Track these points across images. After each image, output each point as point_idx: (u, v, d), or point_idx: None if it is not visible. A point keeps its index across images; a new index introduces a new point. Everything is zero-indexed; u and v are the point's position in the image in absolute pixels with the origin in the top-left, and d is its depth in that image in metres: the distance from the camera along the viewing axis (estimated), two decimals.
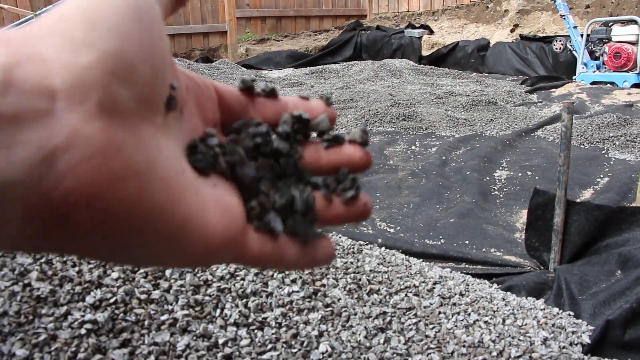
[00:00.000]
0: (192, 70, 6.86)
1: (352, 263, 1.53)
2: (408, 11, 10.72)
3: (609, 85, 6.13)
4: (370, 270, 1.52)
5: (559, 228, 1.86)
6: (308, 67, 8.49)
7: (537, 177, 3.06)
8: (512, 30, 8.48)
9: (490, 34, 8.71)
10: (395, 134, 4.11)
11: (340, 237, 1.78)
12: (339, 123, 4.50)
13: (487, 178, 3.06)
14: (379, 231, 2.43)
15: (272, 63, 9.64)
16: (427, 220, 2.53)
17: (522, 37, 8.02)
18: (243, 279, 1.28)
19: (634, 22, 6.10)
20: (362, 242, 1.78)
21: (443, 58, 8.82)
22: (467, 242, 2.28)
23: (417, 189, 2.91)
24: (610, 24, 6.38)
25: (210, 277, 1.25)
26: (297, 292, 1.29)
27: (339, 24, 11.46)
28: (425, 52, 9.17)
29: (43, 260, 1.15)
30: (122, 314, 1.10)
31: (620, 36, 6.21)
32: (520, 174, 3.13)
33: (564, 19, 6.69)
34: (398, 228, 2.46)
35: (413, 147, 3.75)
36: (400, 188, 2.93)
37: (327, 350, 1.15)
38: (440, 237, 2.34)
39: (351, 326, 1.25)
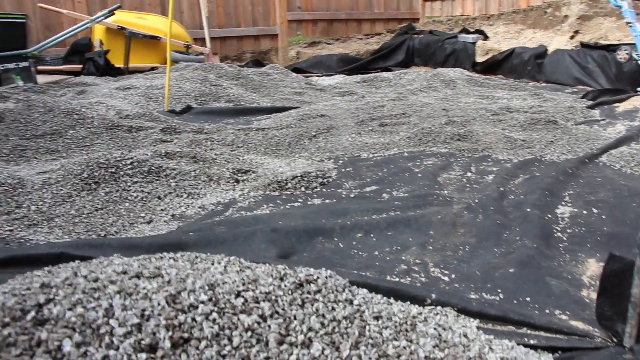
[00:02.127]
0: (242, 76, 6.74)
1: (404, 348, 1.39)
2: (462, 15, 10.43)
3: None
4: (426, 357, 1.38)
5: (637, 300, 1.68)
6: (359, 75, 8.34)
7: (604, 217, 2.84)
8: (572, 37, 8.11)
9: (548, 40, 8.37)
10: (449, 156, 3.93)
11: (392, 305, 1.64)
12: (390, 141, 4.35)
13: (549, 216, 2.86)
14: (432, 280, 2.27)
15: (322, 67, 9.54)
16: (484, 267, 2.36)
17: (582, 44, 7.66)
18: None
19: None
20: (415, 314, 1.63)
21: (498, 65, 8.54)
22: (528, 299, 2.10)
23: (473, 227, 2.73)
24: None
25: None
26: None
27: (390, 28, 11.27)
28: (479, 59, 8.90)
29: None
30: None
31: None
32: (585, 212, 2.91)
33: (630, 26, 6.33)
34: (453, 276, 2.30)
35: (468, 174, 3.57)
36: (455, 225, 2.76)
37: None
38: (499, 290, 2.17)
39: None
